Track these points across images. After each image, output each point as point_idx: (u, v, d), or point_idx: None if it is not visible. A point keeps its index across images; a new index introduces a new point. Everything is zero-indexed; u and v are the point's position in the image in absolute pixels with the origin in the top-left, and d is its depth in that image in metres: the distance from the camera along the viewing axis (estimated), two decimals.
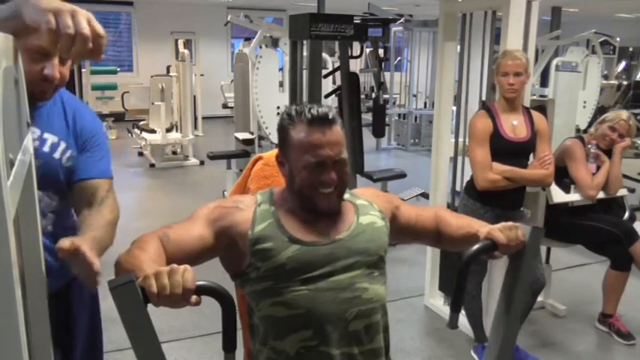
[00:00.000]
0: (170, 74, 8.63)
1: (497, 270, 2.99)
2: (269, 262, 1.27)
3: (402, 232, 1.49)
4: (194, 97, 8.78)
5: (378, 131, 5.82)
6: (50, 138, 1.50)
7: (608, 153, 3.18)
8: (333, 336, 1.26)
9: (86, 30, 0.74)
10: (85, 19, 0.74)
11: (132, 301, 1.00)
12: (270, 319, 1.30)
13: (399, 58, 10.62)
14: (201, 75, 10.02)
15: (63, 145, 1.53)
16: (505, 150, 2.65)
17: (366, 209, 1.41)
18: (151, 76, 8.29)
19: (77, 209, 1.56)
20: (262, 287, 1.29)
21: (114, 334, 2.55)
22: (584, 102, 6.49)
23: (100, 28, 0.77)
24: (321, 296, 1.26)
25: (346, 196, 1.42)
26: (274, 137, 5.15)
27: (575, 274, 4.12)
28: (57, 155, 1.52)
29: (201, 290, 1.05)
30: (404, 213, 1.50)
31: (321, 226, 1.33)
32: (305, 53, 3.77)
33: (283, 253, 1.26)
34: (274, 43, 5.83)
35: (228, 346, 1.18)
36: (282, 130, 1.34)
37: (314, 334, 1.26)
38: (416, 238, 1.55)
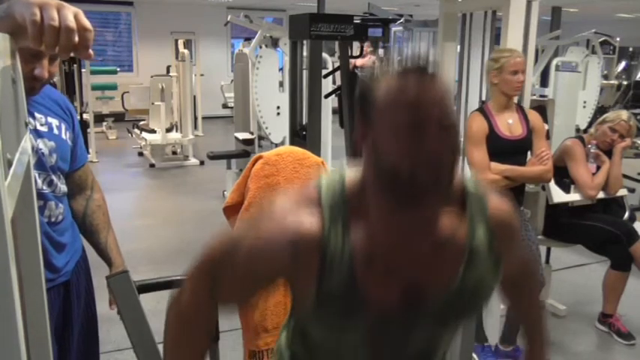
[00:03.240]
0: (170, 74, 8.63)
1: None
2: (331, 324, 0.99)
3: None
4: (194, 97, 8.78)
5: None
6: (53, 121, 1.56)
7: (608, 153, 3.17)
8: None
9: (71, 23, 0.73)
10: (72, 13, 0.74)
11: (126, 287, 1.13)
12: (313, 341, 1.06)
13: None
14: (201, 75, 10.02)
15: (64, 125, 1.60)
16: (502, 149, 2.64)
17: (480, 254, 0.98)
18: (151, 76, 8.28)
19: (69, 194, 1.67)
20: (316, 330, 1.04)
21: (114, 334, 2.55)
22: (584, 102, 6.49)
23: (86, 22, 0.75)
24: (381, 354, 1.02)
25: (475, 200, 1.00)
26: (274, 137, 5.18)
27: (575, 274, 4.12)
28: (64, 136, 1.59)
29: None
30: (511, 263, 1.09)
31: (410, 263, 0.96)
32: (305, 53, 3.77)
33: (351, 324, 0.97)
34: (274, 43, 5.83)
35: (213, 336, 1.24)
36: (363, 92, 0.93)
37: None
38: None
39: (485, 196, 1.02)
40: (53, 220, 1.56)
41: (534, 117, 2.76)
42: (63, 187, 1.60)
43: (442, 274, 0.96)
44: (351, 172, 0.98)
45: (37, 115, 1.51)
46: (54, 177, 1.55)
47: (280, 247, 0.93)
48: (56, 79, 6.64)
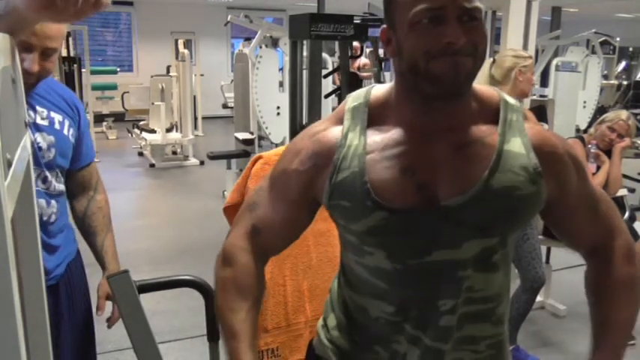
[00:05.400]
0: (170, 74, 8.63)
1: None
2: (347, 221, 0.98)
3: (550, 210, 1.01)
4: (194, 97, 8.78)
5: None
6: (56, 116, 1.54)
7: (608, 153, 3.17)
8: (421, 324, 0.98)
9: None
10: None
11: (126, 287, 1.17)
12: (351, 272, 1.05)
13: None
14: (201, 75, 10.02)
15: (68, 122, 1.57)
16: None
17: (512, 161, 0.94)
18: (151, 76, 8.28)
19: (72, 193, 1.65)
20: (343, 236, 1.03)
21: (114, 334, 2.55)
22: (584, 102, 6.49)
23: None
24: (409, 277, 0.96)
25: (512, 117, 1.00)
26: (274, 137, 5.18)
27: (575, 274, 4.10)
28: (66, 132, 1.56)
29: (184, 284, 1.12)
30: (575, 191, 1.05)
31: (429, 170, 0.93)
32: (305, 53, 3.77)
33: (364, 220, 0.94)
34: (274, 43, 5.83)
35: (213, 336, 1.25)
36: None
37: (397, 312, 0.99)
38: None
39: (521, 111, 1.03)
40: (45, 219, 1.49)
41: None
42: (59, 186, 1.55)
43: (462, 175, 0.93)
44: (381, 87, 1.03)
45: (38, 108, 1.48)
46: (48, 174, 1.51)
47: (303, 152, 1.01)
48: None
